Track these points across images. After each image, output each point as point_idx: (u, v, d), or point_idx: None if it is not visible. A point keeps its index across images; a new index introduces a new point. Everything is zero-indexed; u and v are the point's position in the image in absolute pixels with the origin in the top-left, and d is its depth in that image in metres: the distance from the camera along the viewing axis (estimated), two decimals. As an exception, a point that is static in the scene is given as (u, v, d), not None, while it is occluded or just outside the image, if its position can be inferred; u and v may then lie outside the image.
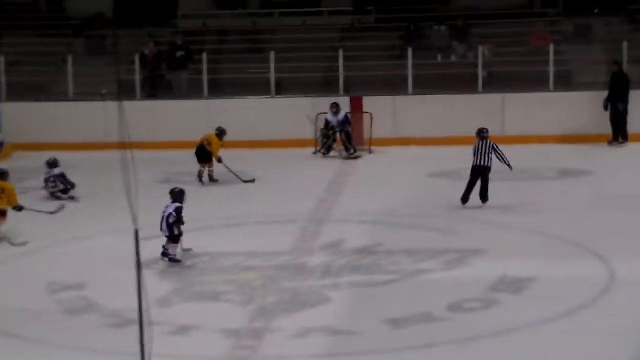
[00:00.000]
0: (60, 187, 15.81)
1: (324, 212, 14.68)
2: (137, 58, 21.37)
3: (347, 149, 19.47)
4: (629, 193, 15.36)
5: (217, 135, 17.14)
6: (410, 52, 21.07)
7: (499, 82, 21.33)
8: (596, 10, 23.54)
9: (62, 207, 13.89)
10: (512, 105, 20.44)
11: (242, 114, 20.14)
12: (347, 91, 21.14)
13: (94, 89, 19.61)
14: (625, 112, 19.80)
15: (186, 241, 12.02)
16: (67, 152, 18.58)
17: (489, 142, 14.49)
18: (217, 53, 22.91)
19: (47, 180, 15.93)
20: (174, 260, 11.84)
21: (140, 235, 6.98)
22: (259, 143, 19.97)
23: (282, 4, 24.63)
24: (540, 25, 23.03)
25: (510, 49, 21.65)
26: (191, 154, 17.04)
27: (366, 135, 20.21)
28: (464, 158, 15.13)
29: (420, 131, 20.31)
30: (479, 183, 14.38)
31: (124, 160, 6.54)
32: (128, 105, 7.19)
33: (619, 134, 19.87)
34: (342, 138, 19.50)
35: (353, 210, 14.62)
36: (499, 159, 14.44)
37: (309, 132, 19.97)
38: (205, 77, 21.33)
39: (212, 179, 17.01)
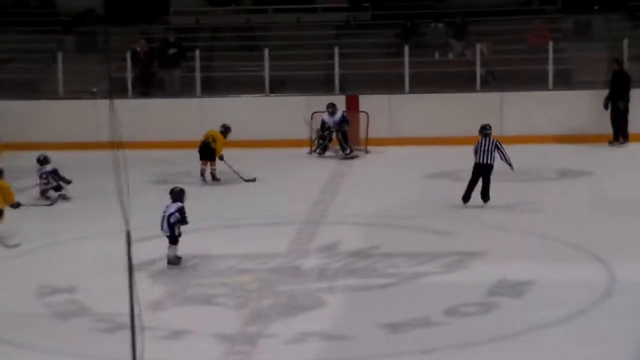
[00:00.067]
0: (53, 184, 15.55)
1: (319, 213, 14.54)
2: (128, 55, 21.16)
3: (343, 149, 19.27)
4: (629, 194, 15.21)
5: (221, 132, 16.88)
6: (406, 49, 20.89)
7: (497, 81, 21.20)
8: (596, 7, 23.40)
9: (57, 198, 14.09)
10: (510, 104, 20.25)
11: (235, 112, 19.93)
12: (342, 89, 20.97)
13: (85, 87, 19.41)
14: (626, 111, 19.62)
15: (182, 242, 11.79)
16: (58, 151, 18.30)
17: (492, 139, 14.31)
18: (210, 50, 22.75)
19: (40, 177, 15.70)
20: (172, 263, 11.67)
21: (133, 236, 6.86)
22: (254, 142, 19.75)
23: (276, 0, 24.41)
24: (538, 22, 22.85)
25: (508, 47, 21.53)
26: (184, 153, 16.91)
27: (362, 135, 20.02)
28: (461, 158, 15.02)
29: (417, 130, 20.11)
30: (479, 182, 14.23)
31: (116, 160, 6.44)
32: (119, 103, 7.16)
33: (620, 133, 19.69)
34: (338, 137, 19.30)
35: (349, 212, 14.47)
36: (501, 157, 14.29)
37: (304, 131, 19.77)
38: (198, 75, 21.16)
39: (214, 178, 16.74)
